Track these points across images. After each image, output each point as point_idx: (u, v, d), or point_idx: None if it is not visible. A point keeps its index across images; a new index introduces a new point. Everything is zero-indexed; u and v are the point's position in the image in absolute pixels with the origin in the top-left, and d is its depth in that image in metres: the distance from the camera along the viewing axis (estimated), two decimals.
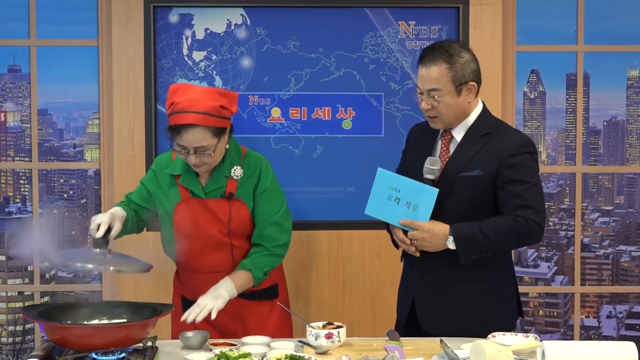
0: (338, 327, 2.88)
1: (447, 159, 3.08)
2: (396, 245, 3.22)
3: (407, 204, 3.03)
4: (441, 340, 2.76)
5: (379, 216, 3.11)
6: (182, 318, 2.98)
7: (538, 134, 4.38)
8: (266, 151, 4.17)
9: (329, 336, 2.83)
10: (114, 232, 2.97)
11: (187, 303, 3.18)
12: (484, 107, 3.14)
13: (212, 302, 3.00)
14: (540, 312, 4.42)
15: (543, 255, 4.41)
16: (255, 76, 4.19)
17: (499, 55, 4.20)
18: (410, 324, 3.16)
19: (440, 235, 2.99)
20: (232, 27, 4.18)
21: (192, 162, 3.06)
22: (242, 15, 4.19)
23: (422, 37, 4.19)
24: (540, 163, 4.36)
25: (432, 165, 3.03)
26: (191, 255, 3.18)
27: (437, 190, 2.98)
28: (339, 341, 2.85)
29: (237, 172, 3.18)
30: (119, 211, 3.07)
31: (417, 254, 3.05)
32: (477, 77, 3.06)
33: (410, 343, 2.92)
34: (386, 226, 3.25)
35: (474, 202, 3.03)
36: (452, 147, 3.10)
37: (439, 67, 2.98)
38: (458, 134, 3.09)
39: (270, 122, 4.21)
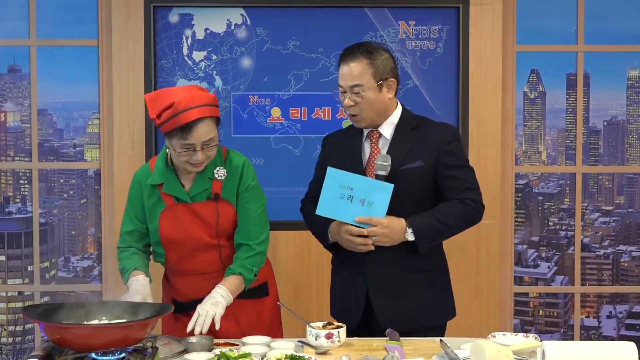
0: (338, 327, 2.88)
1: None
2: (329, 248, 3.28)
3: (361, 201, 3.06)
4: (441, 341, 2.76)
5: (331, 215, 3.11)
6: (189, 329, 2.96)
7: (538, 134, 4.38)
8: (266, 151, 4.19)
9: (329, 336, 2.82)
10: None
11: (178, 305, 3.17)
12: (404, 106, 3.24)
13: (212, 309, 2.99)
14: (540, 312, 4.42)
15: (543, 255, 4.41)
16: (256, 76, 4.19)
17: (499, 55, 4.20)
18: (361, 322, 3.18)
19: (398, 229, 3.05)
20: (232, 27, 4.18)
21: (198, 159, 3.03)
22: (242, 15, 4.19)
23: (422, 37, 4.19)
24: (540, 163, 4.38)
25: (385, 162, 3.07)
26: (179, 260, 3.16)
27: (393, 185, 3.03)
28: (339, 341, 2.85)
29: (220, 172, 3.16)
30: (142, 288, 3.05)
31: (372, 248, 3.07)
32: (396, 75, 3.17)
33: (410, 343, 2.91)
34: (316, 231, 3.30)
35: (418, 192, 3.13)
36: (382, 145, 3.17)
37: (361, 63, 3.08)
38: (386, 131, 3.17)
39: (271, 122, 4.21)
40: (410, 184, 3.10)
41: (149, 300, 2.94)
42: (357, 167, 3.16)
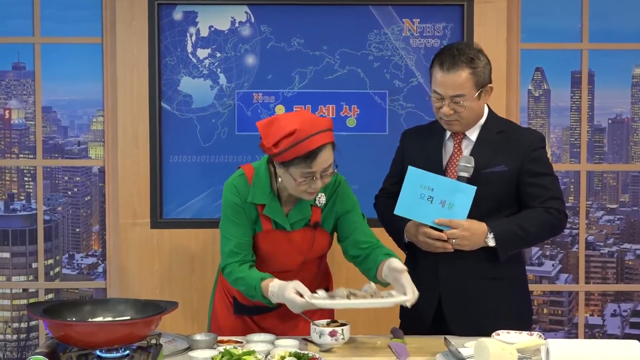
0: (342, 324, 2.88)
1: None
2: (404, 248, 3.22)
3: (442, 203, 2.99)
4: (445, 338, 2.76)
5: (410, 216, 3.06)
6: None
7: (543, 131, 4.36)
8: None
9: (333, 334, 2.83)
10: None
11: (239, 306, 3.15)
12: (490, 108, 3.17)
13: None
14: (545, 310, 4.41)
15: (547, 253, 4.41)
16: (260, 74, 4.19)
17: (503, 53, 4.19)
18: (431, 328, 3.12)
19: (479, 233, 2.98)
20: (237, 25, 4.18)
21: (317, 187, 2.89)
22: (246, 12, 4.18)
23: (426, 34, 4.18)
24: None
25: (468, 164, 3.01)
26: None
27: (475, 188, 2.96)
28: (343, 339, 2.85)
29: (322, 199, 3.04)
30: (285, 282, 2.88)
31: (451, 250, 3.01)
32: (491, 79, 3.08)
33: (415, 341, 2.91)
34: (391, 230, 3.25)
35: (499, 197, 3.06)
36: (465, 147, 3.10)
37: (464, 73, 2.98)
38: (472, 134, 3.10)
39: None
40: (492, 188, 3.03)
41: (303, 287, 2.78)
42: (437, 166, 3.09)
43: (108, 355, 2.54)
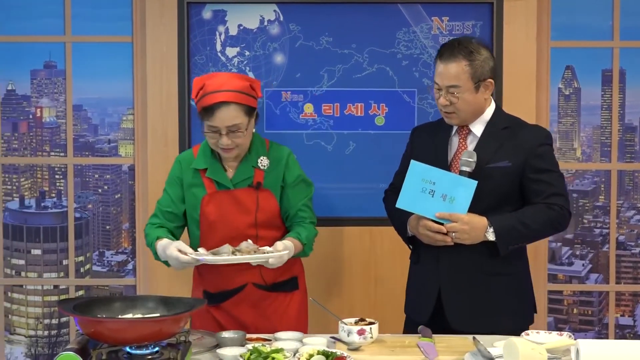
0: (370, 323, 2.88)
1: None
2: (408, 243, 3.26)
3: (443, 197, 3.02)
4: (474, 338, 2.75)
5: (411, 209, 3.09)
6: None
7: (573, 130, 4.33)
8: (299, 147, 4.18)
9: (361, 332, 2.83)
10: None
11: (210, 296, 3.20)
12: (497, 105, 3.20)
13: (284, 248, 3.04)
14: (575, 310, 4.37)
15: (577, 253, 4.37)
16: (288, 72, 4.19)
17: (533, 51, 4.17)
18: (431, 320, 3.15)
19: (479, 227, 3.00)
20: (265, 23, 4.19)
21: (224, 144, 3.08)
22: (275, 11, 4.19)
23: (455, 32, 4.16)
24: (575, 160, 4.34)
25: (470, 158, 3.03)
26: (215, 246, 3.14)
27: (476, 182, 2.98)
28: (372, 338, 2.85)
29: (264, 162, 3.21)
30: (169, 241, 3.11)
31: (451, 243, 3.03)
32: (494, 75, 3.10)
33: (443, 340, 2.91)
34: (396, 224, 3.29)
35: (502, 192, 3.07)
36: (470, 142, 3.13)
37: (459, 64, 3.03)
38: (477, 129, 3.13)
39: (303, 118, 4.21)
40: (495, 183, 3.05)
41: (186, 246, 3.00)
42: (443, 161, 3.12)
43: (138, 351, 2.56)
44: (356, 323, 2.88)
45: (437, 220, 3.03)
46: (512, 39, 4.15)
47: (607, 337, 4.36)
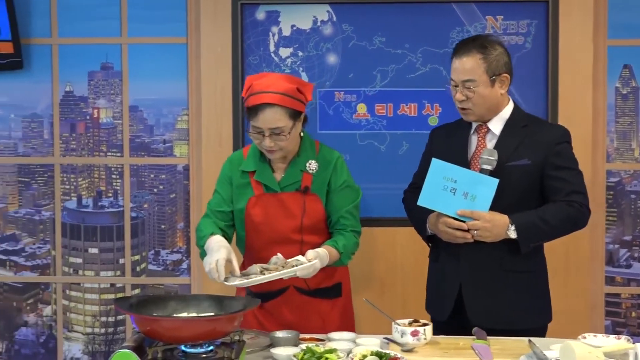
0: (424, 324, 2.86)
1: None
2: (427, 241, 3.28)
3: (464, 195, 3.02)
4: (530, 341, 2.72)
5: (433, 207, 3.09)
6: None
7: (631, 130, 4.26)
8: (352, 147, 4.18)
9: (415, 334, 2.81)
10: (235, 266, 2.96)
11: (253, 296, 3.18)
12: (515, 103, 3.20)
13: (315, 263, 2.98)
14: (633, 313, 4.30)
15: (636, 255, 4.29)
16: (341, 72, 4.19)
17: (590, 49, 4.11)
18: (451, 318, 3.16)
19: (501, 225, 3.01)
20: (318, 24, 4.19)
21: (267, 145, 3.05)
22: (328, 11, 4.19)
23: (510, 32, 4.12)
24: (632, 160, 4.26)
25: (491, 156, 3.04)
26: (260, 248, 3.17)
27: (498, 180, 2.99)
28: (425, 339, 2.82)
29: (312, 165, 3.18)
30: (225, 243, 3.03)
31: (472, 240, 3.04)
32: (509, 70, 3.12)
33: (498, 342, 2.87)
34: (415, 222, 3.29)
35: (522, 190, 3.08)
36: (489, 140, 3.14)
37: (474, 58, 3.06)
38: (495, 127, 3.14)
39: (356, 119, 4.21)
40: (515, 181, 3.06)
41: (233, 255, 2.95)
42: (462, 159, 3.13)
43: (193, 350, 2.57)
44: (410, 324, 2.86)
45: (458, 218, 3.04)
46: (568, 37, 4.09)
47: None
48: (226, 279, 2.90)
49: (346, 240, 3.16)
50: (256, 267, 2.95)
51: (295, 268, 2.92)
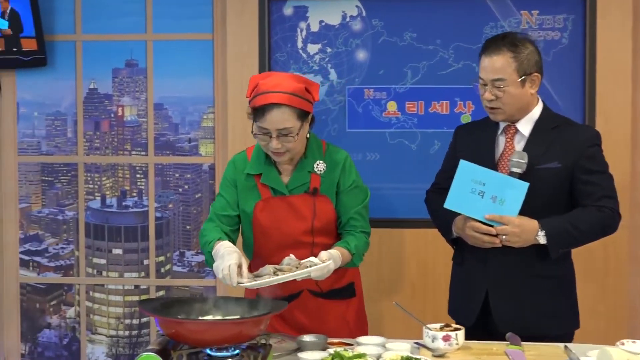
0: (456, 329, 2.80)
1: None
2: (452, 243, 3.23)
3: (493, 198, 2.98)
4: (566, 347, 2.69)
5: (460, 210, 3.04)
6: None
7: None
8: (382, 146, 4.14)
9: (446, 338, 2.75)
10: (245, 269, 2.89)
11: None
12: (545, 104, 3.14)
13: (330, 264, 2.91)
14: None
15: None
16: (371, 69, 4.14)
17: (629, 46, 4.02)
18: (476, 323, 3.11)
19: (530, 230, 2.96)
20: (347, 19, 4.14)
21: (274, 147, 2.99)
22: (357, 7, 4.14)
23: (546, 27, 4.05)
24: None
25: (521, 159, 2.99)
26: (269, 253, 3.11)
27: (528, 184, 2.94)
28: (457, 344, 2.76)
29: (320, 166, 3.13)
30: (235, 249, 2.96)
31: (500, 245, 2.99)
32: (540, 69, 3.06)
33: (533, 348, 2.81)
34: (439, 224, 3.25)
35: (551, 194, 3.03)
36: (517, 141, 3.08)
37: (504, 57, 3.00)
38: (525, 128, 3.09)
39: (386, 117, 4.15)
40: (544, 185, 3.00)
41: (243, 260, 2.88)
42: (489, 161, 3.07)
43: (218, 354, 2.54)
44: (441, 329, 2.81)
45: (485, 222, 2.98)
46: (607, 33, 3.99)
47: None
48: (239, 282, 2.84)
49: (357, 241, 3.12)
50: (269, 268, 2.90)
51: (309, 269, 2.87)
